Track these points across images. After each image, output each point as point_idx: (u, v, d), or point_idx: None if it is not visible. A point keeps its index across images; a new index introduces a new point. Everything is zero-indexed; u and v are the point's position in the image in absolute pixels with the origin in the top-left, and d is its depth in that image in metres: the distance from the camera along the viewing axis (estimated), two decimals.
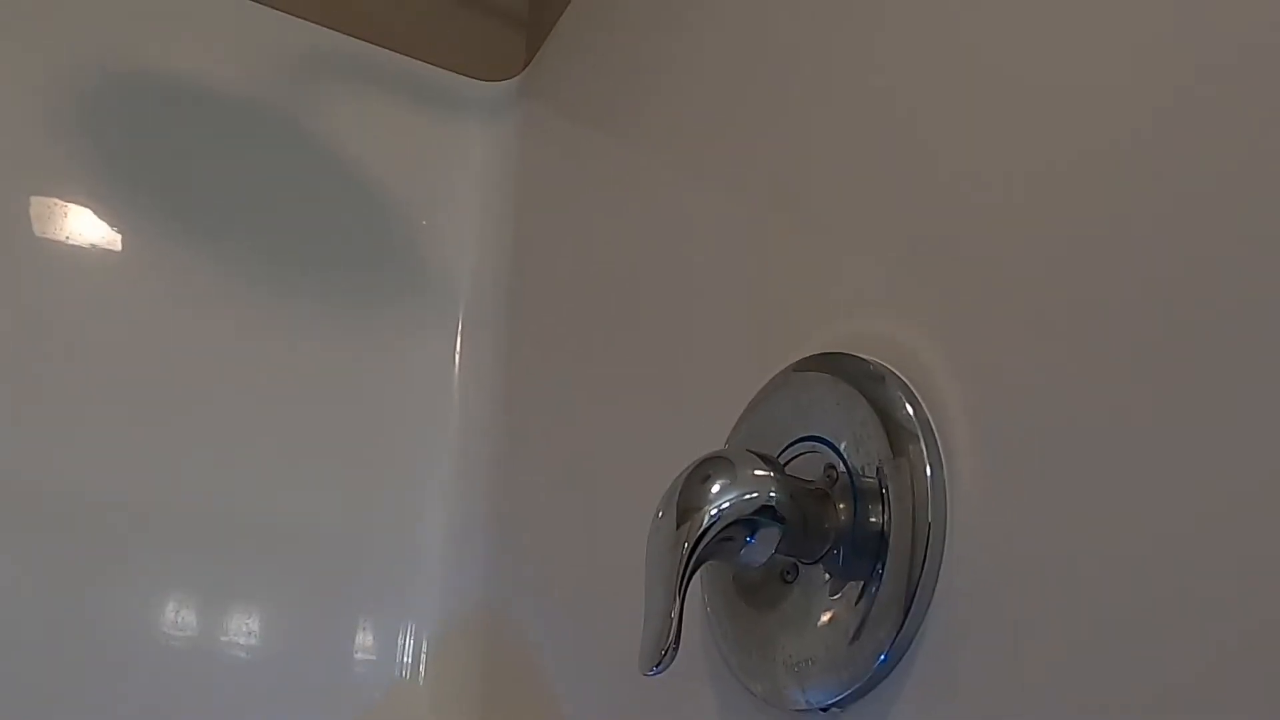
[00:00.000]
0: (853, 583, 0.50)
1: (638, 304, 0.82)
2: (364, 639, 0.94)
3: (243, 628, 0.88)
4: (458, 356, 1.05)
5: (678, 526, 0.50)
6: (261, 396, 0.94)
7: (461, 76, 1.12)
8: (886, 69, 0.60)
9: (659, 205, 0.82)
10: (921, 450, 0.49)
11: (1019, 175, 0.49)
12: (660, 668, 0.48)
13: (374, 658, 0.94)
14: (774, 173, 0.68)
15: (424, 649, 0.96)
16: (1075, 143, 0.46)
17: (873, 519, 0.50)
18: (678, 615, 0.48)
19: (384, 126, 1.08)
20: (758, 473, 0.51)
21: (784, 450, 0.56)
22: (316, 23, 1.07)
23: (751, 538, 0.49)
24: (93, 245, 0.91)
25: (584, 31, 1.03)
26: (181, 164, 0.96)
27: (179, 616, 0.85)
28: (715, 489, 0.50)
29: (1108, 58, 0.46)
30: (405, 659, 0.95)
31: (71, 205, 0.91)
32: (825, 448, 0.54)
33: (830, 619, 0.50)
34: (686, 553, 0.49)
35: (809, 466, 0.54)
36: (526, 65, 1.12)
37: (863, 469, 0.51)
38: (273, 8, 1.05)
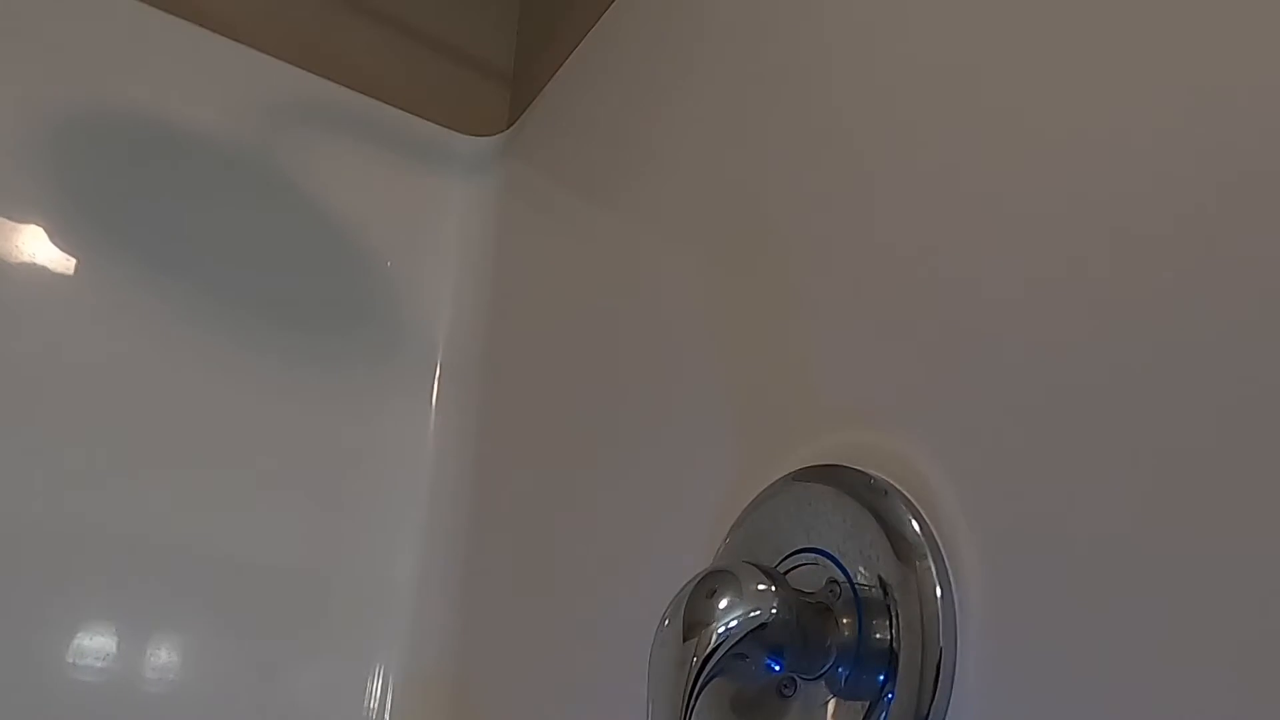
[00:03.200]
0: (858, 702, 0.50)
1: (617, 378, 0.81)
2: (332, 682, 0.93)
3: (211, 670, 0.86)
4: (433, 410, 1.04)
5: (684, 640, 0.50)
6: (230, 441, 0.93)
7: (444, 129, 1.11)
8: (885, 158, 0.60)
9: (642, 280, 0.82)
10: (930, 569, 0.50)
11: (1021, 282, 0.50)
12: None
13: (341, 701, 0.93)
14: (765, 259, 0.68)
15: (390, 694, 0.95)
16: (1076, 252, 0.47)
17: (878, 636, 0.50)
18: None
19: (362, 174, 1.07)
20: (760, 587, 0.51)
21: (783, 560, 0.56)
22: (297, 66, 1.06)
23: (769, 657, 0.49)
24: (52, 279, 0.89)
25: (573, 95, 1.03)
26: (151, 202, 0.94)
27: (146, 658, 0.84)
28: (723, 604, 0.50)
29: (1127, 163, 0.47)
30: (372, 704, 0.94)
31: (32, 234, 0.88)
32: (827, 560, 0.54)
33: None
34: (695, 669, 0.49)
35: (810, 578, 0.54)
36: (511, 121, 1.12)
37: (868, 586, 0.51)
38: (255, 49, 1.03)
